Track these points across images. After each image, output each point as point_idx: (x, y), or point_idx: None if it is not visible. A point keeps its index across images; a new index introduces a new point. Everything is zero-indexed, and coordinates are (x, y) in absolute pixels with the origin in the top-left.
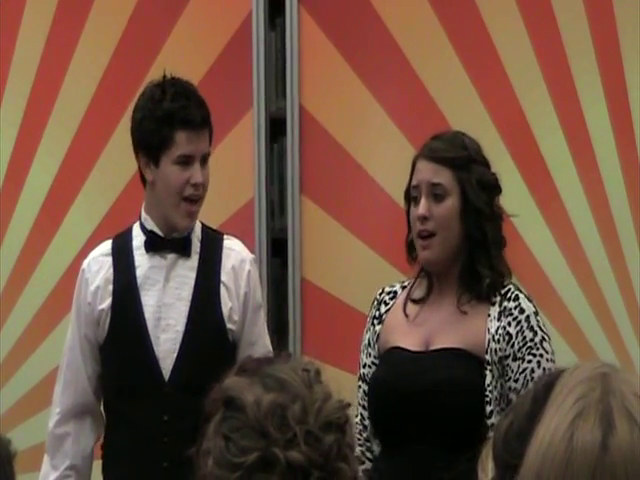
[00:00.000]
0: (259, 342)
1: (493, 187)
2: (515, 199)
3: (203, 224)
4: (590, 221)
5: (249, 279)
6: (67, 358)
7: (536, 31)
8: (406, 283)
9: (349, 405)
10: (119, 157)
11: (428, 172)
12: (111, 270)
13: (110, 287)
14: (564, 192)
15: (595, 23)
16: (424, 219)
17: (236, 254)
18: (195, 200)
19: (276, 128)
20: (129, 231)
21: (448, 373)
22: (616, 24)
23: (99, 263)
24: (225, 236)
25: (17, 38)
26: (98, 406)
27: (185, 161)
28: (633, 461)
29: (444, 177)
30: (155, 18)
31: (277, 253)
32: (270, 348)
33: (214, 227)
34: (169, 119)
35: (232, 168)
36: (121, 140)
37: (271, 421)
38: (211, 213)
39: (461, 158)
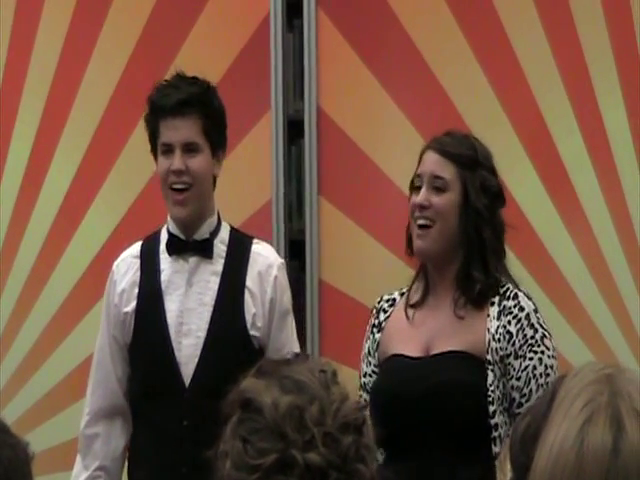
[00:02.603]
0: (286, 348)
1: (495, 194)
2: (533, 201)
3: (232, 227)
4: (608, 223)
5: (276, 285)
6: (97, 359)
7: (554, 33)
8: (404, 290)
9: (366, 406)
10: (137, 159)
11: (433, 164)
12: (138, 273)
13: (136, 290)
14: (582, 194)
15: (614, 26)
16: (422, 208)
17: (263, 259)
18: (180, 189)
19: (294, 130)
20: (157, 234)
21: (450, 375)
22: (634, 28)
23: (127, 265)
24: (255, 240)
25: (35, 39)
26: (129, 407)
27: (167, 149)
28: None
29: (447, 171)
30: (173, 20)
31: (295, 255)
32: None
33: None
34: (152, 109)
35: (250, 170)
36: (139, 142)
37: (289, 423)
38: (229, 214)
39: (467, 157)
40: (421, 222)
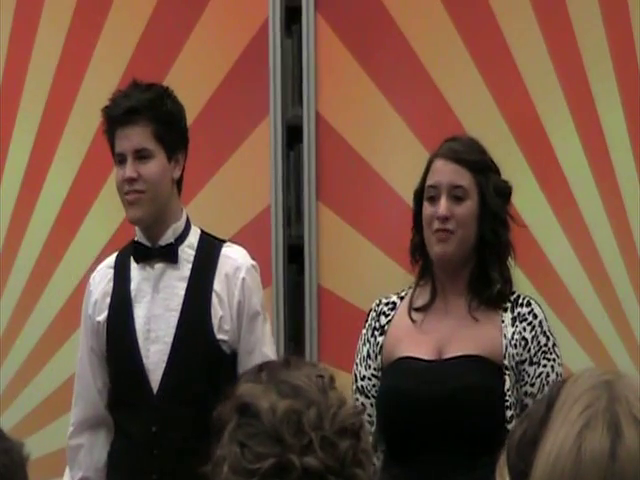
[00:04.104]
0: (257, 351)
1: (507, 195)
2: (531, 205)
3: (203, 232)
4: (606, 227)
5: (243, 287)
6: (78, 371)
7: (553, 37)
8: (403, 293)
9: (364, 411)
10: None
11: (449, 173)
12: (111, 283)
13: (107, 300)
14: (580, 198)
15: (612, 30)
16: (445, 219)
17: (232, 262)
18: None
19: (292, 135)
20: (131, 244)
21: (468, 380)
22: (632, 31)
23: (102, 275)
24: (226, 244)
25: (33, 46)
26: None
27: (120, 160)
28: None
29: (465, 179)
30: (171, 26)
31: (293, 260)
32: (271, 357)
33: (230, 234)
34: (106, 121)
35: (248, 175)
36: None
37: (286, 427)
38: (228, 220)
39: (480, 162)
40: (443, 233)
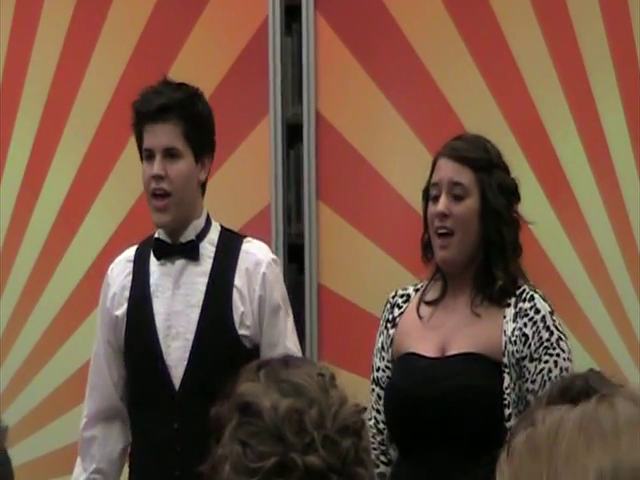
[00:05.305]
0: (280, 344)
1: (512, 193)
2: (532, 205)
3: (223, 227)
4: (607, 227)
5: (264, 281)
6: (93, 363)
7: (553, 38)
8: (419, 286)
9: (365, 409)
10: (135, 163)
11: (449, 170)
12: (130, 277)
13: (126, 294)
14: (581, 198)
15: (612, 30)
16: (443, 216)
17: (251, 257)
18: (160, 195)
19: (292, 134)
20: (151, 238)
21: (466, 379)
22: (633, 31)
23: (120, 268)
24: (247, 239)
25: (34, 45)
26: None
27: (148, 155)
28: None
29: (465, 177)
30: (171, 25)
31: (294, 259)
32: (294, 351)
33: None
34: (135, 115)
35: (249, 174)
36: None
37: (288, 426)
38: (228, 218)
39: (482, 160)
40: (441, 231)
